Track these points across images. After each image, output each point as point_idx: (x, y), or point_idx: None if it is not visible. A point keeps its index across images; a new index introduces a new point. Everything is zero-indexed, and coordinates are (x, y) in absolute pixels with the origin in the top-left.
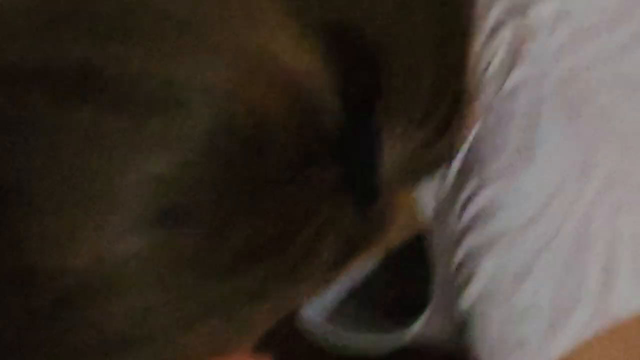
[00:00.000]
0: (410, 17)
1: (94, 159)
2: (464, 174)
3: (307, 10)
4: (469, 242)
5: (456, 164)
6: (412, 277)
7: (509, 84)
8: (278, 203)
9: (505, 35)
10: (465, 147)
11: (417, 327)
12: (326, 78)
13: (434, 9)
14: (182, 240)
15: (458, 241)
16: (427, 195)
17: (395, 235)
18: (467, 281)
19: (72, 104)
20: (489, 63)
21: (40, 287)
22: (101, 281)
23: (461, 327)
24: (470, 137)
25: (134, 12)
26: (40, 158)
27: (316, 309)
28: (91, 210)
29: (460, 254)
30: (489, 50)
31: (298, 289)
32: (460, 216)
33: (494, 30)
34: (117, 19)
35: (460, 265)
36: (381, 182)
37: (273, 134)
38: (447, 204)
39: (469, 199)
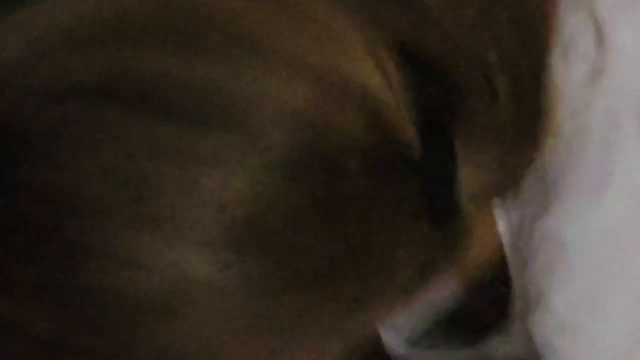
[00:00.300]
0: (487, 36)
1: (168, 176)
2: (537, 194)
3: (379, 26)
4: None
5: (530, 182)
6: (491, 294)
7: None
8: (356, 222)
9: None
10: (539, 166)
11: (493, 345)
12: (401, 95)
13: (513, 24)
14: (252, 264)
15: (525, 263)
16: (504, 219)
17: (476, 256)
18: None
19: (147, 119)
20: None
21: (104, 304)
22: (167, 300)
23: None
24: (545, 155)
25: (208, 29)
26: (113, 172)
27: (399, 339)
28: (161, 229)
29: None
30: (565, 65)
31: (372, 313)
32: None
33: (570, 44)
34: (196, 35)
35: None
36: (459, 198)
37: (351, 152)
38: (520, 224)
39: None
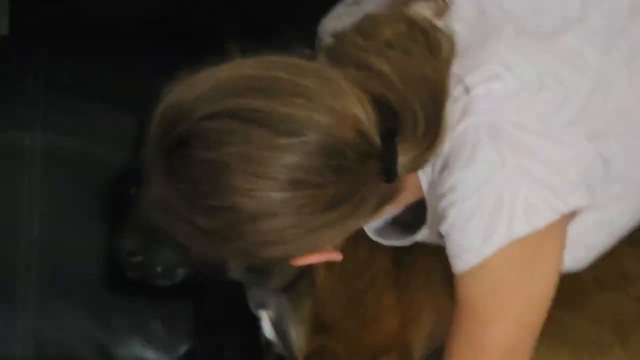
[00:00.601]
0: (414, 93)
1: (267, 154)
2: (442, 166)
3: (361, 85)
4: (445, 201)
5: (438, 160)
6: (418, 214)
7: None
8: (352, 179)
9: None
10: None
11: (419, 235)
12: (373, 119)
13: (426, 89)
14: (306, 195)
15: (440, 198)
16: (423, 177)
17: (409, 197)
18: (444, 217)
19: (260, 130)
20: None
21: (234, 213)
22: (259, 212)
23: (442, 237)
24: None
25: (284, 89)
26: (245, 151)
27: (370, 229)
28: (262, 176)
29: (442, 205)
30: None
31: (358, 221)
32: (441, 186)
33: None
34: (279, 91)
35: (442, 210)
36: (398, 168)
37: (351, 148)
38: (435, 181)
39: (444, 179)
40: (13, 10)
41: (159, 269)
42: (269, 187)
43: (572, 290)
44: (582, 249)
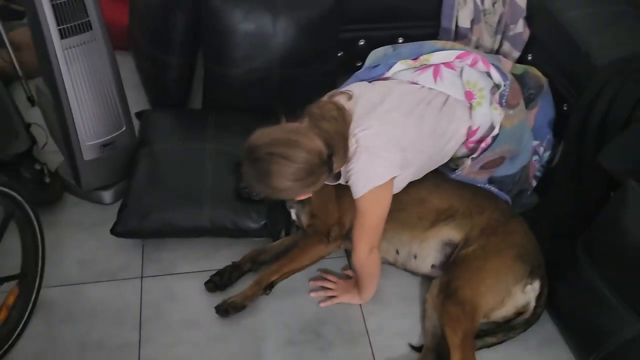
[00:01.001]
0: (338, 138)
1: (285, 169)
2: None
3: (321, 135)
4: (348, 174)
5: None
6: (338, 176)
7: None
8: (318, 174)
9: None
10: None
11: (340, 180)
12: (324, 150)
13: (342, 136)
14: (300, 180)
15: (347, 173)
16: (342, 168)
17: (338, 173)
18: (348, 179)
19: (275, 158)
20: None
21: (268, 186)
22: (281, 187)
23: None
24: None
25: (286, 140)
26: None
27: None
28: (283, 176)
29: (347, 175)
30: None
31: (321, 184)
32: (346, 169)
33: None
34: (291, 140)
35: (347, 176)
36: (334, 168)
37: (317, 163)
38: (345, 168)
39: (348, 166)
40: None
41: (254, 195)
42: (286, 179)
43: (396, 203)
44: (402, 183)
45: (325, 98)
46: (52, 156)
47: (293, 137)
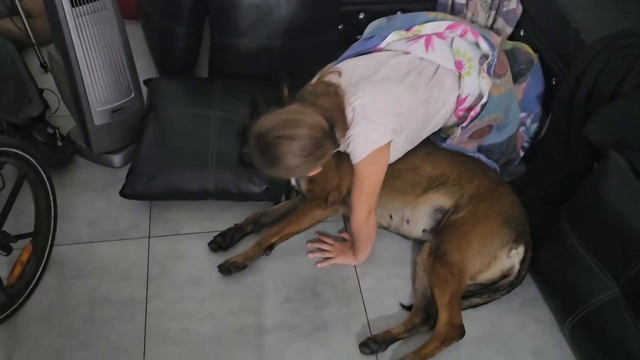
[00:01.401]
0: (336, 110)
1: (292, 147)
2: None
3: (320, 111)
4: (348, 141)
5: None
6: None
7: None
8: (323, 147)
9: None
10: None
11: (340, 148)
12: (325, 124)
13: (339, 108)
14: (307, 156)
15: (346, 140)
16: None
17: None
18: (348, 145)
19: (281, 140)
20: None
21: (273, 159)
22: (290, 165)
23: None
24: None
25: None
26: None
27: None
28: (291, 153)
29: (347, 142)
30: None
31: (326, 159)
32: (346, 137)
33: None
34: (296, 120)
35: (347, 143)
36: (337, 140)
37: (321, 137)
38: (345, 137)
39: (348, 134)
40: None
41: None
42: (296, 157)
43: (391, 171)
44: (397, 152)
45: (315, 79)
46: (64, 121)
47: (294, 117)
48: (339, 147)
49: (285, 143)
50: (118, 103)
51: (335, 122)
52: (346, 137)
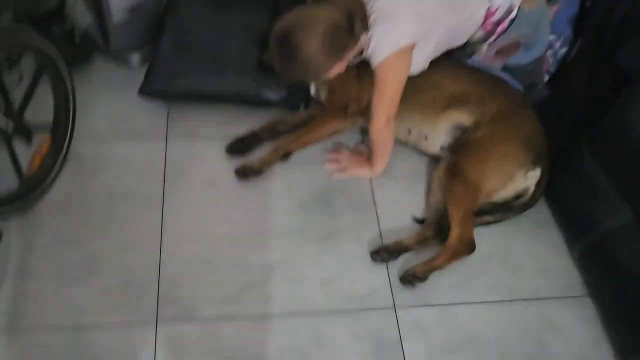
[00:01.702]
0: (357, 6)
1: (315, 36)
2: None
3: (341, 7)
4: (370, 41)
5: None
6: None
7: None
8: (344, 41)
9: None
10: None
11: (362, 57)
12: (346, 16)
13: (359, 4)
14: (330, 46)
15: (369, 42)
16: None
17: (362, 46)
18: (368, 49)
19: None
20: None
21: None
22: (311, 59)
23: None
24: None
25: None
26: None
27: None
28: (313, 45)
29: (369, 44)
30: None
31: (348, 57)
32: (368, 39)
33: None
34: (322, 14)
35: (368, 46)
36: (356, 29)
37: (343, 25)
38: (366, 41)
39: (369, 34)
40: None
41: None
42: (313, 46)
43: (412, 85)
44: (422, 60)
45: None
46: (83, 18)
47: (314, 10)
48: (359, 40)
49: (301, 29)
50: (137, 1)
51: (355, 17)
52: (367, 39)
